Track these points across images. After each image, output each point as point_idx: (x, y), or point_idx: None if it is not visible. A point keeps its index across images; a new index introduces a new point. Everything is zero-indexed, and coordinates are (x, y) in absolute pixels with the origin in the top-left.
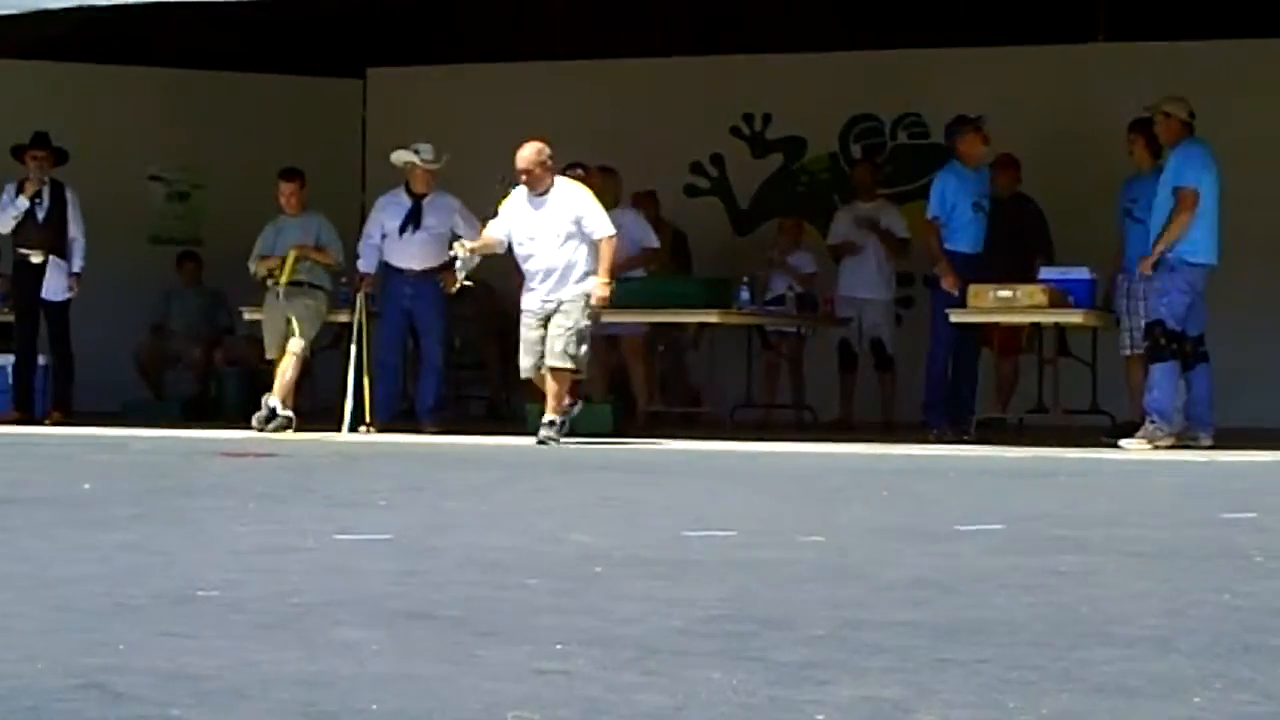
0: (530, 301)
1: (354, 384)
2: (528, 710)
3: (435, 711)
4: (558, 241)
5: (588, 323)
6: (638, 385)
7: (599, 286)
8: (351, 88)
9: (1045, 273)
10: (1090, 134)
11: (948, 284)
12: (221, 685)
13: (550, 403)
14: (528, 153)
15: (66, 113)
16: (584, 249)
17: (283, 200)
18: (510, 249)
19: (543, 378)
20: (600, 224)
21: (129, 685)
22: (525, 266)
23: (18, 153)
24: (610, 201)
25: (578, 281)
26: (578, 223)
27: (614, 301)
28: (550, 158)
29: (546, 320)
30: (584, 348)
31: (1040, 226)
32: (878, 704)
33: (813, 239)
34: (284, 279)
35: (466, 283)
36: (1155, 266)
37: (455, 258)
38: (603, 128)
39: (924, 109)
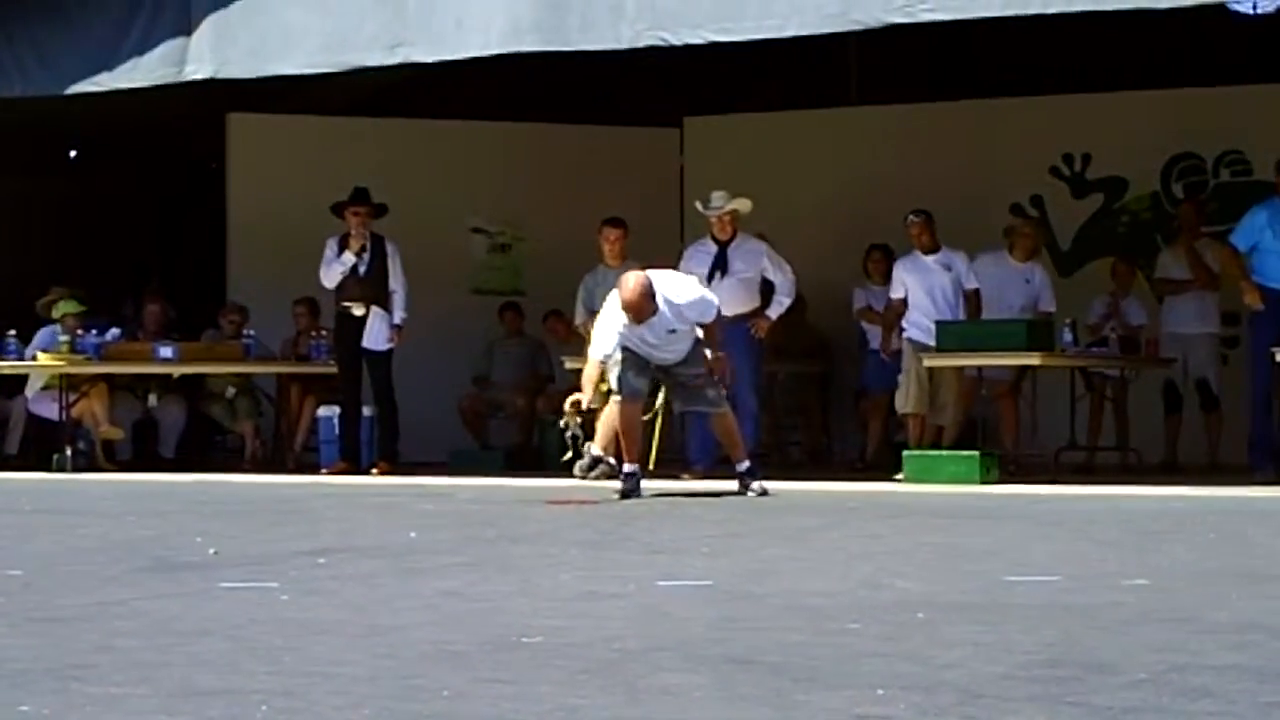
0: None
1: (658, 432)
2: None
3: None
4: (674, 341)
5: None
6: (1006, 430)
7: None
8: (669, 137)
9: None
10: None
11: (1250, 299)
12: None
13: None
14: (631, 288)
15: (389, 167)
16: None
17: (605, 247)
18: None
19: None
20: (704, 313)
21: None
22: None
23: (338, 209)
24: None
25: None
26: (693, 324)
27: (938, 345)
28: (650, 286)
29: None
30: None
31: None
32: None
33: (1140, 286)
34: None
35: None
36: None
37: (565, 427)
38: (920, 171)
39: (1245, 146)
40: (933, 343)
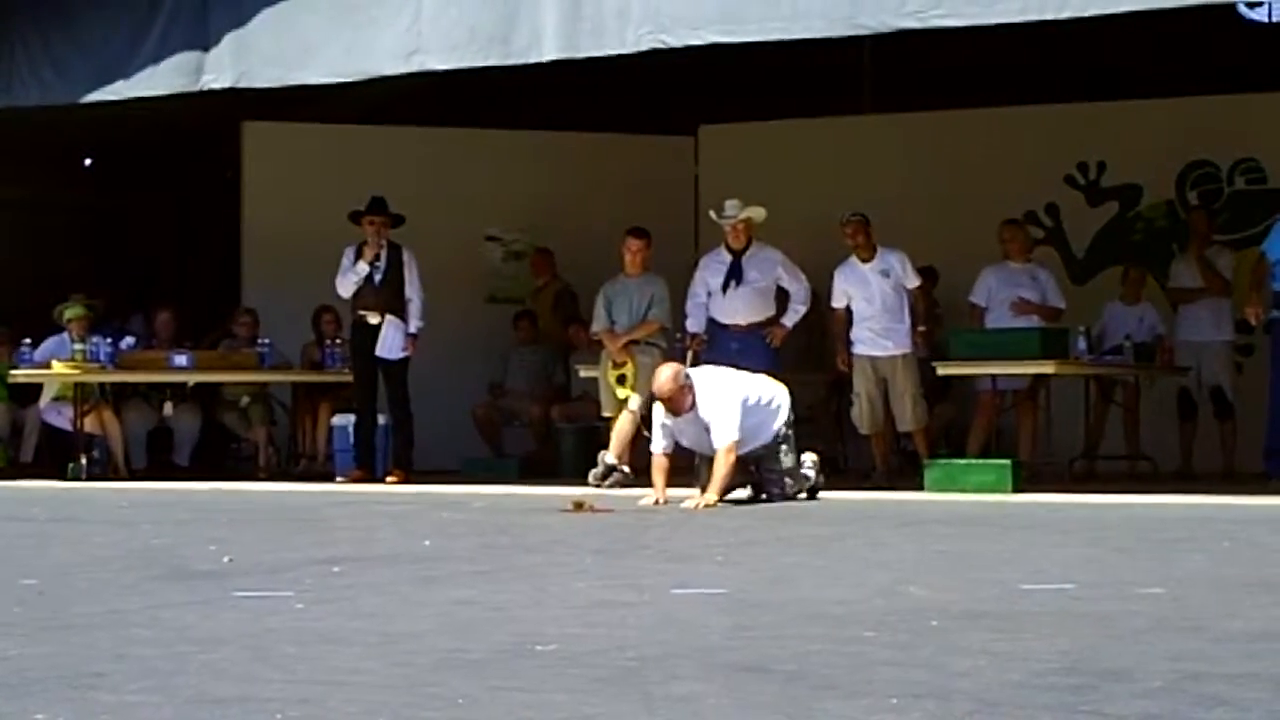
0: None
1: None
2: None
3: None
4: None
5: None
6: (1024, 438)
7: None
8: (684, 145)
9: None
10: None
11: (1250, 312)
12: None
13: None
14: (664, 380)
15: (403, 175)
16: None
17: (627, 257)
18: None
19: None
20: (721, 434)
21: None
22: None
23: (356, 217)
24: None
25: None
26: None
27: (951, 354)
28: (688, 378)
29: None
30: None
31: None
32: None
33: (1152, 292)
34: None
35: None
36: None
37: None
38: (934, 180)
39: (1261, 154)
40: (882, 353)
